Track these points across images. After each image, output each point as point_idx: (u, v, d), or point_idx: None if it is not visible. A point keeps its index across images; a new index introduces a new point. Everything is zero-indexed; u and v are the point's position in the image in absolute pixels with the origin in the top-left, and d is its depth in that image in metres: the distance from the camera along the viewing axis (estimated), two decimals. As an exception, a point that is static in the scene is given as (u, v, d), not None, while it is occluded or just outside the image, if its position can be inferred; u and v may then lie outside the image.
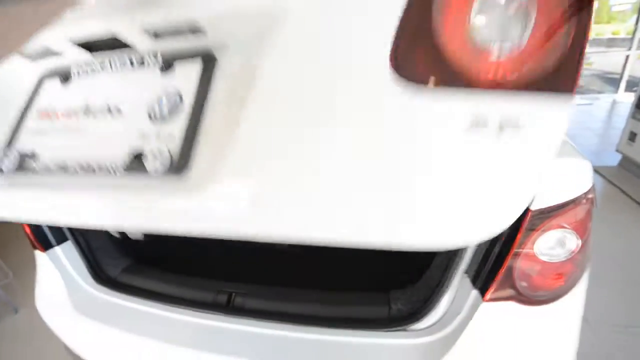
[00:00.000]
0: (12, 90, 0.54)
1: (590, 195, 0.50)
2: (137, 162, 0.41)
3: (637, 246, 1.79)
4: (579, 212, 0.49)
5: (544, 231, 0.49)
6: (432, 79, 0.33)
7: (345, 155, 0.34)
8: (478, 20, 0.32)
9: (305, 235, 0.35)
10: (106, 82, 0.48)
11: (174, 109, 0.41)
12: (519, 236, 0.48)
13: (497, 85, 0.32)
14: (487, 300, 0.52)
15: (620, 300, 1.43)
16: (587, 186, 0.50)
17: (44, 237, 0.83)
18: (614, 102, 4.64)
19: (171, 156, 0.40)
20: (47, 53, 0.51)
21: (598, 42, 10.25)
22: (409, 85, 0.33)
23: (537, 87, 0.31)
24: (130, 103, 0.45)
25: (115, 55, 0.48)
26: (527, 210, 0.46)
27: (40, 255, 0.83)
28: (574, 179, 0.49)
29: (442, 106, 0.32)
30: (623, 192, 2.30)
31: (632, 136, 2.49)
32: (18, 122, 0.51)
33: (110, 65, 0.48)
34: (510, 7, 0.31)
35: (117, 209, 0.44)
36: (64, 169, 0.46)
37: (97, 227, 0.53)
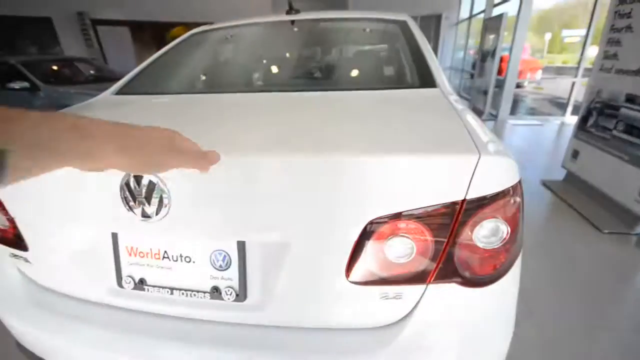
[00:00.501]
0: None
1: (517, 190, 0.58)
2: (216, 293, 0.64)
3: (574, 248, 1.98)
4: (508, 203, 0.56)
5: (479, 221, 0.55)
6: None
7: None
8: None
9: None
10: (170, 243, 0.66)
11: (228, 264, 0.62)
12: (456, 224, 0.54)
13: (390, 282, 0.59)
14: (431, 283, 0.58)
15: (561, 295, 1.57)
16: (514, 181, 0.57)
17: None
18: (562, 124, 5.12)
19: (235, 293, 0.63)
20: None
21: (549, 70, 11.30)
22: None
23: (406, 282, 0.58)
24: (197, 256, 0.64)
25: None
26: (463, 200, 0.53)
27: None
28: (503, 175, 0.56)
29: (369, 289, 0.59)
30: (566, 202, 2.54)
31: (575, 154, 2.76)
32: (117, 259, 0.68)
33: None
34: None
35: (197, 315, 0.68)
36: (167, 289, 0.67)
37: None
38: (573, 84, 5.10)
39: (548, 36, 20.98)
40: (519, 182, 0.59)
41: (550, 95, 8.20)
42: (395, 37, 1.28)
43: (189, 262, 0.64)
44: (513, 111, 5.75)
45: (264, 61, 1.39)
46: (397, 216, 0.54)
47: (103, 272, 0.69)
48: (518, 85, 9.16)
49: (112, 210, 0.60)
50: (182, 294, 0.65)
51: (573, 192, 2.68)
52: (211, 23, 1.53)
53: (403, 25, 1.31)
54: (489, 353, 0.64)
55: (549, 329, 1.41)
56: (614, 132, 2.32)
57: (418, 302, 0.59)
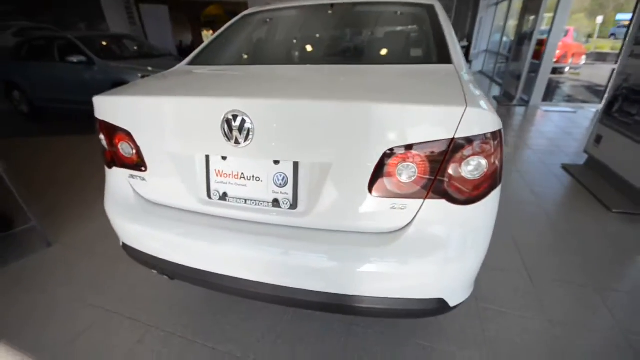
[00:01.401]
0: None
1: (496, 136, 0.80)
2: (275, 203, 0.93)
3: (580, 223, 2.12)
4: (487, 144, 0.79)
5: (464, 155, 0.78)
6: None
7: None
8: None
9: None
10: (244, 165, 0.93)
11: (285, 182, 0.89)
12: (447, 156, 0.78)
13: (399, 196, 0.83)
14: (427, 198, 0.82)
15: (566, 263, 1.76)
16: (493, 129, 0.79)
17: (112, 162, 1.12)
18: (597, 112, 4.97)
19: (290, 203, 0.91)
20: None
21: (594, 56, 10.56)
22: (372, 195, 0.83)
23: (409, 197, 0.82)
24: (264, 176, 0.93)
25: None
26: (452, 138, 0.76)
27: (113, 172, 1.13)
28: (484, 124, 0.78)
29: (384, 200, 0.83)
30: (582, 184, 2.64)
31: (598, 139, 2.81)
32: (207, 178, 0.98)
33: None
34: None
35: (265, 220, 0.97)
36: (243, 199, 0.96)
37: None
38: (613, 71, 4.89)
39: (600, 19, 19.31)
40: (499, 130, 0.81)
41: (589, 82, 7.77)
42: (422, 19, 1.47)
43: (258, 181, 0.92)
44: (547, 97, 5.61)
45: (310, 39, 1.63)
46: (405, 147, 0.78)
47: (197, 188, 0.99)
48: (557, 71, 8.74)
49: (212, 140, 0.89)
50: (252, 203, 0.94)
51: (591, 175, 2.75)
52: (244, 3, 1.77)
53: (430, 8, 1.49)
54: (469, 251, 0.88)
55: (540, 276, 1.62)
56: (637, 117, 2.37)
57: (417, 212, 0.84)
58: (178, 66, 1.46)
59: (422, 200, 0.83)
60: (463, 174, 0.81)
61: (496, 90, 7.00)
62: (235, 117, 0.84)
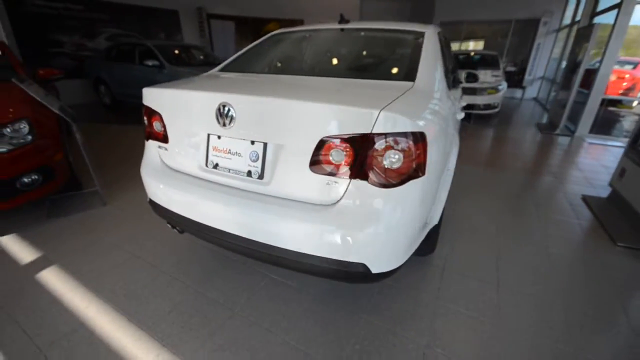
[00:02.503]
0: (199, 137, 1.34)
1: (408, 135, 1.02)
2: (249, 173, 1.23)
3: (580, 256, 2.10)
4: (402, 142, 1.02)
5: (380, 147, 1.02)
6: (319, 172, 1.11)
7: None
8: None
9: None
10: (231, 143, 1.24)
11: (257, 158, 1.18)
12: (365, 146, 1.02)
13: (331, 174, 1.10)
14: (352, 178, 1.07)
15: (539, 282, 1.80)
16: (405, 130, 1.02)
17: (149, 136, 1.53)
18: (653, 150, 4.55)
19: (259, 174, 1.19)
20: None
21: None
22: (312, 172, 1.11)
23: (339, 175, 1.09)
24: (243, 152, 1.23)
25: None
26: (370, 132, 1.01)
27: (149, 143, 1.55)
28: (397, 125, 1.01)
29: (321, 177, 1.10)
30: (596, 216, 2.55)
31: (622, 172, 2.70)
32: (207, 151, 1.32)
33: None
34: None
35: (240, 186, 1.26)
36: (228, 169, 1.26)
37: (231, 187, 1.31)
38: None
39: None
40: (413, 132, 1.03)
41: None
42: (407, 44, 1.70)
43: (239, 156, 1.24)
44: (597, 130, 5.27)
45: (306, 55, 1.97)
46: (335, 137, 1.05)
47: (199, 158, 1.35)
48: (619, 104, 8.00)
49: (209, 122, 1.23)
50: (234, 172, 1.26)
51: (609, 209, 2.64)
52: (300, 21, 2.16)
53: (419, 35, 1.73)
54: (388, 226, 1.08)
55: (509, 289, 1.69)
56: (656, 151, 2.28)
57: (346, 189, 1.08)
58: (211, 71, 1.88)
59: (348, 180, 1.08)
60: (380, 163, 1.04)
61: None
62: (224, 106, 1.18)
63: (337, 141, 1.05)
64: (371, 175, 1.06)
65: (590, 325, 1.52)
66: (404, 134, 1.03)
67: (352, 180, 1.08)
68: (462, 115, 2.94)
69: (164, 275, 1.80)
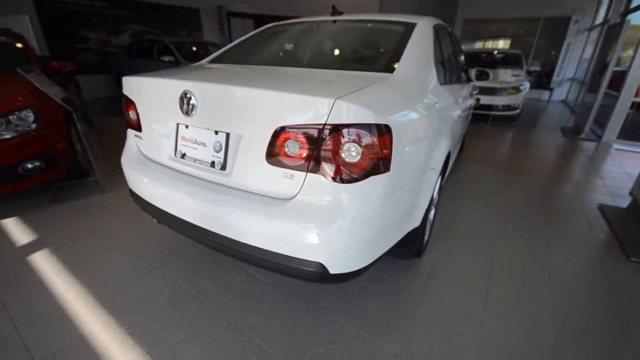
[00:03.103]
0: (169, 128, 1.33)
1: (366, 127, 0.95)
2: (212, 164, 1.20)
3: (586, 269, 1.93)
4: (361, 134, 0.95)
5: (335, 139, 0.95)
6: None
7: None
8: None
9: None
10: (197, 133, 1.22)
11: (220, 148, 1.15)
12: (320, 138, 0.97)
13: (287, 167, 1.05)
14: (309, 172, 1.01)
15: (531, 295, 1.67)
16: (364, 121, 0.95)
17: (127, 125, 1.54)
18: (690, 158, 4.15)
19: (221, 165, 1.16)
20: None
21: None
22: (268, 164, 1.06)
23: (294, 169, 1.03)
24: (207, 143, 1.21)
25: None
26: (325, 123, 0.94)
27: (129, 132, 1.55)
28: (354, 116, 0.94)
29: (278, 170, 1.05)
30: (611, 227, 2.34)
31: (645, 180, 2.46)
32: (175, 140, 1.32)
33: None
34: None
35: (205, 177, 1.24)
36: (193, 159, 1.26)
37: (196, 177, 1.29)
38: None
39: None
40: (376, 125, 0.96)
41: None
42: (395, 35, 1.62)
43: (204, 146, 1.22)
44: (627, 135, 4.88)
45: (286, 47, 1.91)
46: (291, 127, 0.99)
47: (169, 148, 1.33)
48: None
49: (177, 111, 1.22)
50: (199, 162, 1.24)
51: (627, 220, 2.42)
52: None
53: (410, 27, 1.63)
54: (346, 224, 1.01)
55: (497, 301, 1.57)
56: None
57: (303, 183, 1.03)
58: (199, 62, 1.87)
59: (305, 174, 1.02)
60: (336, 156, 0.98)
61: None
62: (186, 94, 1.15)
63: (292, 132, 1.00)
64: (327, 169, 1.00)
65: (584, 351, 1.38)
66: (363, 126, 0.96)
67: (308, 174, 1.02)
68: (465, 113, 2.80)
69: (145, 265, 1.81)
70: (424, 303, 1.58)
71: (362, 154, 0.97)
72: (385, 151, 1.00)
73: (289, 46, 1.90)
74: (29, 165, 2.29)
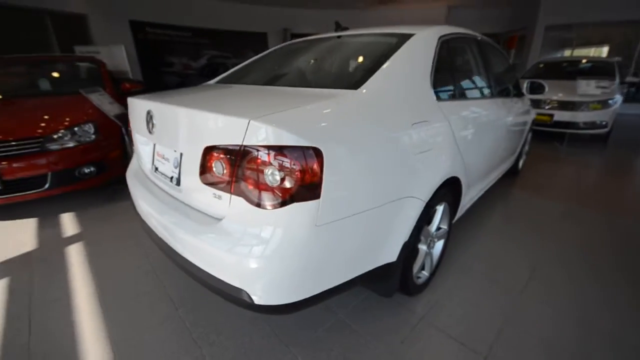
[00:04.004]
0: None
1: (295, 153, 0.87)
2: (172, 179, 1.24)
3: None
4: (280, 157, 0.87)
5: (256, 163, 0.89)
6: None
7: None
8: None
9: None
10: (163, 149, 1.30)
11: (177, 164, 1.19)
12: (239, 159, 0.91)
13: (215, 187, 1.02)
14: (232, 194, 0.96)
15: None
16: (289, 143, 0.87)
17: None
18: None
19: (177, 180, 1.20)
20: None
21: None
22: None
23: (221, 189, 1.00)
24: (170, 158, 1.24)
25: None
26: (242, 145, 0.89)
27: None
28: (277, 139, 0.87)
29: (210, 189, 1.03)
30: None
31: None
32: (153, 155, 1.39)
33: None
34: None
35: (167, 190, 1.30)
36: (162, 174, 1.31)
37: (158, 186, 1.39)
38: None
39: None
40: (301, 147, 0.87)
41: None
42: (380, 49, 1.47)
43: (168, 161, 1.27)
44: None
45: (282, 65, 1.89)
46: (215, 147, 0.96)
47: (149, 161, 1.44)
48: None
49: (145, 128, 1.30)
50: (164, 177, 1.30)
51: None
52: None
53: (403, 38, 1.48)
54: (268, 252, 0.93)
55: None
56: None
57: (229, 204, 0.98)
58: (208, 82, 2.00)
59: (230, 195, 0.98)
60: (254, 178, 0.91)
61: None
62: (148, 113, 1.23)
63: (217, 152, 0.98)
64: (246, 192, 0.94)
65: None
66: (283, 148, 0.88)
67: (233, 196, 0.98)
68: (511, 131, 2.42)
69: (147, 266, 1.96)
70: (400, 352, 1.36)
71: (282, 178, 0.89)
72: (311, 176, 0.91)
73: (280, 65, 1.90)
74: (86, 170, 2.72)
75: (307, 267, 0.98)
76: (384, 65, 1.29)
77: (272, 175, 0.90)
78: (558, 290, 1.74)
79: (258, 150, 0.90)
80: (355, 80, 1.23)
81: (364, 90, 1.17)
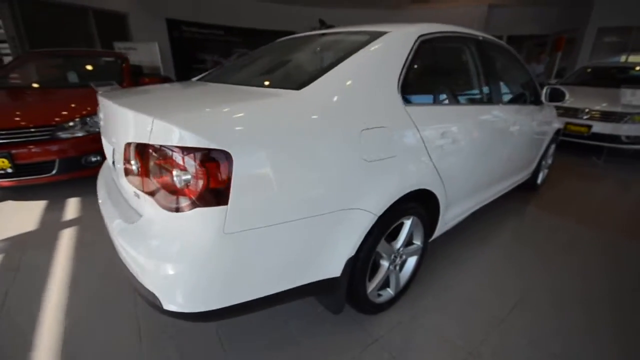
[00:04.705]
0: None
1: (197, 152, 0.82)
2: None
3: None
4: (185, 157, 0.83)
5: (164, 163, 0.85)
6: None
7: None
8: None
9: None
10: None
11: (112, 160, 1.20)
12: (147, 157, 0.88)
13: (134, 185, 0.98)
14: (146, 194, 0.94)
15: None
16: (197, 144, 0.82)
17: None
18: None
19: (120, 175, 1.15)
20: None
21: None
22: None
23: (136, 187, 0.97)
24: (118, 152, 1.14)
25: None
26: (148, 143, 0.86)
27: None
28: (182, 140, 0.82)
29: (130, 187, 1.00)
30: None
31: None
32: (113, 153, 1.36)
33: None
34: None
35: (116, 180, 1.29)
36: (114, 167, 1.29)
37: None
38: None
39: None
40: (208, 149, 0.82)
41: None
42: (342, 48, 1.36)
43: (110, 156, 1.27)
44: None
45: (247, 65, 1.83)
46: (131, 144, 0.94)
47: (110, 159, 1.46)
48: None
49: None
50: (114, 166, 1.30)
51: None
52: None
53: (373, 37, 1.37)
54: (174, 258, 0.89)
55: None
56: None
57: (145, 204, 0.96)
58: (189, 81, 2.00)
59: (144, 195, 0.95)
60: (159, 179, 0.87)
61: None
62: (101, 107, 1.24)
63: (132, 149, 0.95)
64: (154, 191, 0.91)
65: None
66: (187, 149, 0.83)
67: (146, 195, 0.95)
68: (521, 141, 2.20)
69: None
70: None
71: (185, 180, 0.85)
72: (217, 181, 0.85)
73: (254, 64, 1.83)
74: (92, 159, 2.89)
75: (215, 276, 0.93)
76: (338, 66, 1.19)
77: (175, 177, 0.86)
78: (541, 330, 1.53)
79: (161, 150, 0.86)
80: (301, 80, 1.15)
81: (305, 92, 1.09)
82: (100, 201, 1.38)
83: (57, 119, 2.71)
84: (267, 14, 9.88)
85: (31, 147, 2.60)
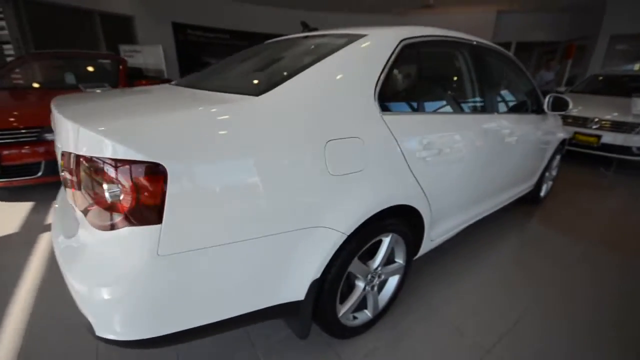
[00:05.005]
0: None
1: (121, 164, 0.74)
2: None
3: None
4: (113, 170, 0.74)
5: (92, 176, 0.77)
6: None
7: None
8: None
9: None
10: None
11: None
12: (78, 169, 0.79)
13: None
14: (77, 206, 0.85)
15: None
16: (120, 156, 0.73)
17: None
18: None
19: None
20: None
21: None
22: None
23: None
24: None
25: None
26: (76, 154, 0.77)
27: None
28: (112, 149, 0.74)
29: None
30: None
31: None
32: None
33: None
34: None
35: None
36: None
37: None
38: None
39: None
40: (131, 160, 0.74)
41: None
42: (322, 50, 1.27)
43: None
44: None
45: (229, 68, 1.72)
46: (64, 152, 0.86)
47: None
48: None
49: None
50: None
51: None
52: None
53: (350, 40, 1.28)
54: (101, 280, 0.81)
55: None
56: None
57: (78, 217, 0.87)
58: (163, 85, 1.93)
59: (77, 210, 0.86)
60: (88, 192, 0.79)
61: None
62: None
63: (65, 157, 0.87)
64: (83, 206, 0.82)
65: None
66: (115, 161, 0.74)
67: (77, 209, 0.87)
68: (519, 151, 2.07)
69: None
70: None
71: (112, 196, 0.76)
72: (149, 197, 0.76)
73: (231, 67, 1.73)
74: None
75: (148, 302, 0.83)
76: (305, 71, 1.10)
77: (102, 191, 0.77)
78: None
79: (87, 161, 0.78)
80: (264, 86, 1.06)
81: (264, 98, 1.00)
82: (56, 205, 1.31)
83: (44, 121, 2.68)
84: (272, 18, 9.90)
85: (18, 148, 2.57)
